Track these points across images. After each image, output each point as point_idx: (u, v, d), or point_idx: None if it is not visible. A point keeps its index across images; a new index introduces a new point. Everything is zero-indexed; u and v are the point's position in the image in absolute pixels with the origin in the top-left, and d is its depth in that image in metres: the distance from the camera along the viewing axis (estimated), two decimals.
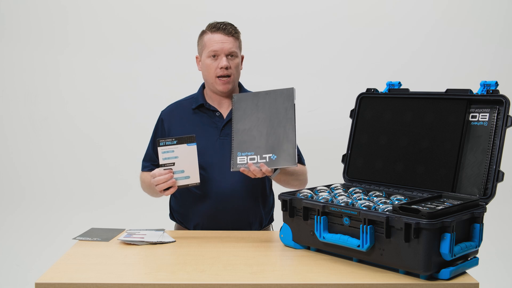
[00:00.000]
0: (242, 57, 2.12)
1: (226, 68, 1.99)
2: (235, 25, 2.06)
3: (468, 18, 3.30)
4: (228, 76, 2.00)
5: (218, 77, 2.00)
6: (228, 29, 2.01)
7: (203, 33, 2.07)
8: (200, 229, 2.02)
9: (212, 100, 2.09)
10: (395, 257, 1.45)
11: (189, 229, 2.07)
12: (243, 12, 3.22)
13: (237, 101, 1.94)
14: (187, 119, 2.06)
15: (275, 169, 1.87)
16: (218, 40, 1.99)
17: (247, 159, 1.85)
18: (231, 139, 1.90)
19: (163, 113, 2.13)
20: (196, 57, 2.11)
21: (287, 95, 1.89)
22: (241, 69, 2.11)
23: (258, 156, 1.85)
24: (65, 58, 3.35)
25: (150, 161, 2.10)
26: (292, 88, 1.91)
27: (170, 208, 2.17)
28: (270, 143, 1.85)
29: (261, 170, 1.82)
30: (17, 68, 3.37)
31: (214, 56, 2.00)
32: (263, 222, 2.11)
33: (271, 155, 1.84)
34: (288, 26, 3.31)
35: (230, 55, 2.00)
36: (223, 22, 2.04)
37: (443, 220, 1.39)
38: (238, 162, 1.86)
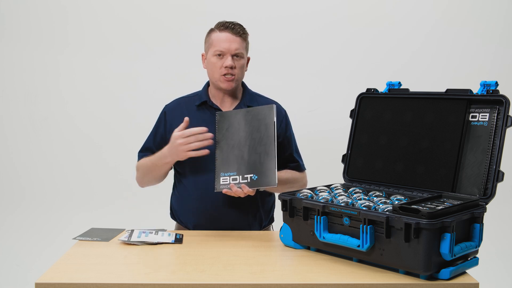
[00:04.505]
0: (248, 59, 2.11)
1: (231, 68, 1.99)
2: (244, 26, 2.06)
3: (468, 18, 3.30)
4: (232, 75, 2.01)
5: (222, 75, 2.00)
6: (236, 29, 2.00)
7: (211, 31, 2.07)
8: (200, 229, 2.02)
9: (215, 98, 2.09)
10: (395, 257, 1.45)
11: (189, 229, 2.07)
12: (243, 12, 3.21)
13: (220, 120, 1.94)
14: (189, 115, 2.05)
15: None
16: (225, 39, 1.99)
17: (229, 180, 1.87)
18: (215, 158, 1.90)
19: (167, 106, 2.14)
20: (202, 55, 2.11)
21: (268, 112, 1.89)
22: (245, 71, 2.11)
23: (240, 177, 1.86)
24: (65, 58, 3.35)
25: (150, 153, 2.09)
26: (273, 105, 1.90)
27: (171, 207, 2.17)
28: (252, 162, 1.86)
29: (243, 191, 1.83)
30: (17, 68, 3.36)
31: (220, 55, 1.99)
32: (262, 222, 2.11)
33: (252, 175, 1.85)
34: (288, 26, 3.31)
35: (236, 55, 2.00)
36: (232, 22, 2.03)
37: (443, 220, 1.39)
38: (221, 182, 1.87)
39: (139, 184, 2.15)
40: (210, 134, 1.87)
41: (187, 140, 1.86)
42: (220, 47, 1.99)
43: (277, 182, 1.81)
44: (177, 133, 1.88)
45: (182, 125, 1.90)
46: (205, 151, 1.88)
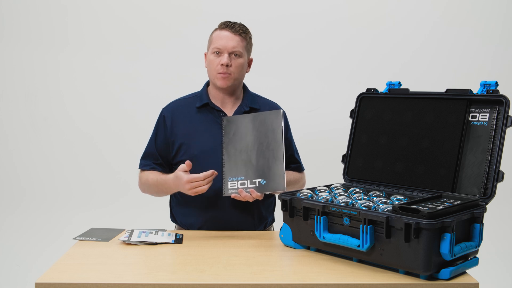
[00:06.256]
0: (251, 60, 2.10)
1: (227, 66, 1.98)
2: (247, 27, 2.06)
3: (468, 18, 3.30)
4: (228, 73, 2.00)
5: (219, 73, 2.00)
6: (235, 28, 2.01)
7: (214, 30, 2.07)
8: (204, 230, 2.01)
9: (216, 99, 2.08)
10: (395, 257, 1.45)
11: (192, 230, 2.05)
12: (243, 12, 3.21)
13: (226, 125, 1.94)
14: (192, 117, 2.05)
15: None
16: (223, 37, 2.00)
17: (237, 184, 1.86)
18: (222, 163, 1.89)
19: (165, 110, 2.11)
20: (205, 54, 2.11)
21: (275, 117, 1.89)
22: (247, 72, 2.10)
23: (248, 181, 1.86)
24: (65, 58, 3.35)
25: (152, 160, 2.07)
26: (280, 110, 1.90)
27: (171, 210, 2.16)
28: (260, 167, 1.86)
29: (251, 195, 1.83)
30: (17, 68, 3.36)
31: (217, 52, 1.99)
32: (267, 223, 2.11)
33: (260, 180, 1.85)
34: (288, 26, 3.31)
35: (234, 53, 1.99)
36: (234, 22, 2.04)
37: (443, 220, 1.39)
38: (229, 187, 1.87)
39: (142, 191, 2.12)
40: (215, 174, 1.84)
41: (198, 184, 1.82)
42: (217, 44, 1.99)
43: (286, 186, 1.82)
44: (186, 176, 1.83)
45: (186, 167, 1.84)
46: (204, 189, 1.84)
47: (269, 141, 1.87)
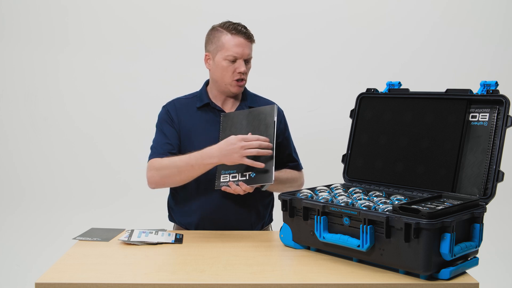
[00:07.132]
0: None
1: (243, 73, 1.98)
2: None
3: (468, 18, 3.30)
4: (244, 80, 2.01)
5: (235, 80, 1.98)
6: (248, 34, 1.98)
7: (218, 31, 1.99)
8: (201, 230, 2.01)
9: (216, 99, 2.08)
10: (395, 257, 1.45)
11: (189, 229, 2.06)
12: (243, 12, 3.21)
13: (223, 120, 1.95)
14: (192, 117, 2.05)
15: (262, 185, 1.88)
16: (239, 45, 1.95)
17: (229, 177, 1.88)
18: None
19: (168, 105, 2.09)
20: (206, 55, 2.05)
21: (269, 112, 1.90)
22: None
23: (239, 174, 1.87)
24: (65, 58, 3.35)
25: (168, 149, 1.98)
26: (274, 105, 1.91)
27: (169, 210, 2.16)
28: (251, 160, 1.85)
29: (241, 188, 1.82)
30: (17, 68, 3.36)
31: (232, 60, 1.96)
32: (264, 222, 2.12)
33: (250, 173, 1.85)
34: (288, 26, 3.31)
35: (247, 60, 2.00)
36: (241, 25, 1.99)
37: (443, 220, 1.39)
38: (221, 180, 1.89)
39: (155, 184, 1.95)
40: (271, 145, 1.81)
41: (250, 144, 1.78)
42: (233, 52, 1.94)
43: (273, 179, 1.81)
44: (239, 135, 1.81)
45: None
46: (261, 164, 1.80)
47: (261, 135, 1.87)
